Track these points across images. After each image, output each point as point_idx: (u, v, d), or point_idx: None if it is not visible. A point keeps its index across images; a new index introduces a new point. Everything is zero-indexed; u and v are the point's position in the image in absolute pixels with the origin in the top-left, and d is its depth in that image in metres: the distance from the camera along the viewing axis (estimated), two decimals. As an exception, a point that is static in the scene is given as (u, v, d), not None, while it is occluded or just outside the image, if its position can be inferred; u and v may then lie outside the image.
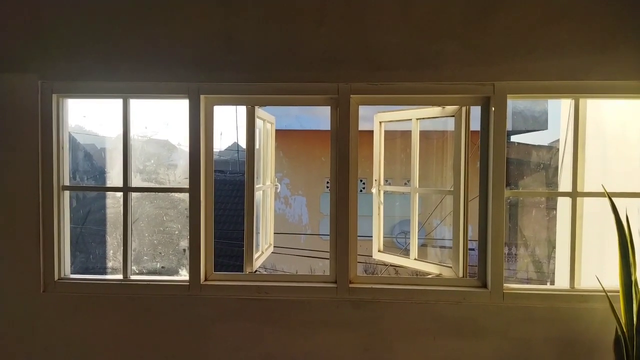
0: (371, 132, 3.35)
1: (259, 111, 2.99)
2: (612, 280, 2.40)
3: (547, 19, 2.49)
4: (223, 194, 11.13)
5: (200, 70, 2.60)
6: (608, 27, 2.47)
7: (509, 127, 2.79)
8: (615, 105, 2.88)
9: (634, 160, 2.62)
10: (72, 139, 2.92)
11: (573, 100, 2.61)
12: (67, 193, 2.77)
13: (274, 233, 3.71)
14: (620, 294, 2.30)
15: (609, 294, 2.33)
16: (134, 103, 2.76)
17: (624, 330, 2.27)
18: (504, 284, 2.57)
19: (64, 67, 2.63)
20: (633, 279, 2.27)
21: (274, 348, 2.65)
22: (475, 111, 2.69)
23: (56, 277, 2.70)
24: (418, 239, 3.13)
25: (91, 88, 2.66)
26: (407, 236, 3.14)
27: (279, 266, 9.15)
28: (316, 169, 10.14)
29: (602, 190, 2.44)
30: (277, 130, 3.64)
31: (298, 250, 8.81)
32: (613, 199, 2.34)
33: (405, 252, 3.18)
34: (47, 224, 2.66)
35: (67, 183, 2.76)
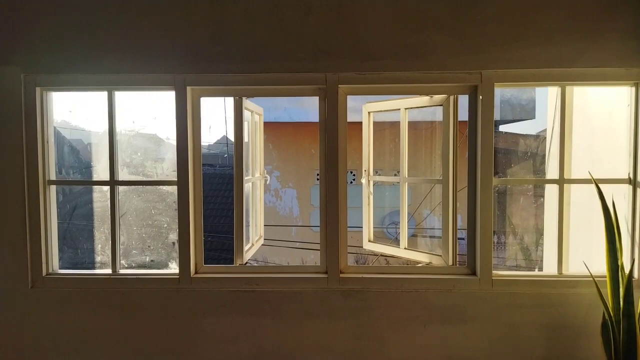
0: (361, 124, 3.35)
1: (247, 102, 2.97)
2: (600, 266, 2.43)
3: (534, 7, 2.49)
4: (213, 188, 11.10)
5: (186, 61, 2.57)
6: (595, 15, 2.48)
7: (497, 116, 2.81)
8: (601, 93, 2.90)
9: (620, 147, 2.64)
10: (58, 133, 2.88)
11: (560, 88, 2.63)
12: (53, 188, 2.74)
13: (265, 225, 3.71)
14: (607, 279, 2.33)
15: (596, 279, 2.36)
16: (123, 97, 2.73)
17: (611, 314, 2.30)
18: (493, 271, 2.59)
19: (48, 59, 2.58)
20: (619, 263, 2.30)
21: (265, 339, 2.66)
22: (464, 101, 2.69)
23: (44, 273, 2.67)
24: (408, 229, 3.15)
25: (75, 81, 2.62)
26: (398, 227, 3.15)
27: (270, 258, 9.16)
28: (306, 161, 10.13)
29: (589, 177, 2.46)
30: (266, 123, 3.63)
31: (289, 242, 8.82)
32: (600, 185, 2.36)
33: (396, 242, 3.19)
34: (34, 219, 2.63)
35: (53, 177, 2.73)
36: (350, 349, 2.64)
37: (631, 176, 2.57)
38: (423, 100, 2.88)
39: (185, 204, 2.63)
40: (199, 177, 2.70)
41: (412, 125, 3.12)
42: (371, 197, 3.37)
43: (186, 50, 2.57)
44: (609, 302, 2.33)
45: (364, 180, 3.37)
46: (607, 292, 2.34)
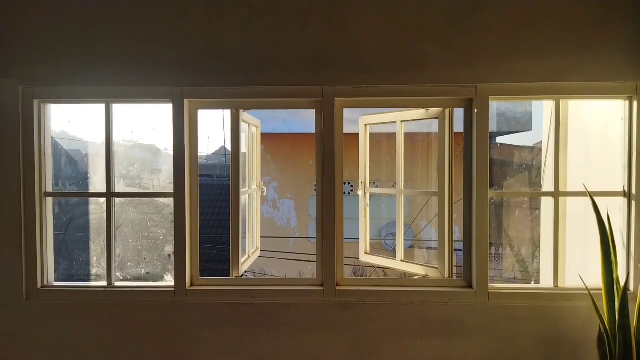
0: (358, 135, 3.36)
1: (244, 115, 2.99)
2: (596, 278, 2.43)
3: (528, 21, 2.52)
4: (211, 199, 11.08)
5: (183, 74, 2.58)
6: (589, 29, 2.51)
7: (493, 128, 2.83)
8: (596, 106, 2.92)
9: (615, 160, 2.66)
10: (55, 144, 2.88)
11: (554, 102, 2.65)
12: (49, 199, 2.74)
13: (262, 237, 3.70)
14: (603, 292, 2.33)
15: (592, 292, 2.36)
16: (121, 108, 2.74)
17: (607, 327, 2.30)
18: (489, 284, 2.59)
19: (46, 72, 2.60)
20: (615, 276, 2.30)
21: (261, 352, 2.64)
22: (459, 113, 2.71)
23: (39, 285, 2.66)
24: (406, 240, 3.14)
25: (73, 93, 2.63)
26: (395, 238, 3.15)
27: (267, 270, 9.11)
28: (304, 172, 10.12)
29: (584, 190, 2.47)
30: (264, 134, 3.64)
31: (287, 253, 8.79)
32: (595, 198, 2.37)
33: (393, 254, 3.19)
34: (30, 231, 2.63)
35: (49, 189, 2.73)
36: (347, 362, 2.63)
37: (626, 189, 2.58)
38: (419, 112, 2.89)
39: (181, 216, 2.63)
40: (195, 189, 2.70)
41: (409, 137, 3.13)
42: (367, 209, 3.38)
43: (183, 63, 2.58)
44: (604, 315, 2.33)
45: (360, 192, 3.37)
46: (603, 305, 2.33)
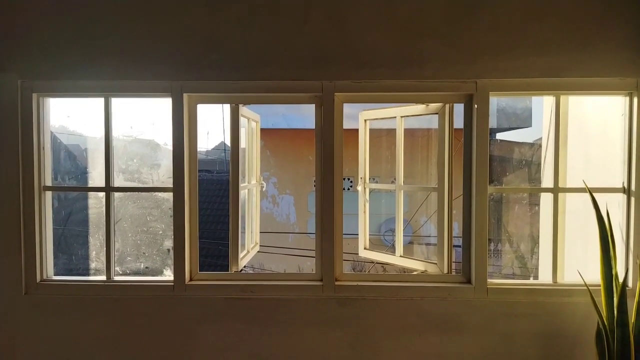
0: (357, 131, 3.36)
1: (244, 109, 2.98)
2: (595, 274, 2.43)
3: (528, 18, 2.52)
4: (210, 194, 11.08)
5: (183, 68, 2.58)
6: (589, 26, 2.50)
7: (493, 124, 2.82)
8: (596, 102, 2.92)
9: (615, 156, 2.66)
10: (55, 139, 2.87)
11: (554, 97, 2.65)
12: (49, 194, 2.73)
13: (261, 232, 3.70)
14: (602, 288, 2.34)
15: (590, 288, 2.36)
16: (120, 103, 2.73)
17: (605, 323, 2.30)
18: (488, 280, 2.59)
19: (45, 66, 2.59)
20: (614, 272, 2.31)
21: (260, 347, 2.65)
22: (459, 108, 2.71)
23: (38, 279, 2.66)
24: (405, 236, 3.15)
25: (72, 87, 2.63)
26: (394, 234, 3.15)
27: (267, 265, 9.13)
28: (303, 168, 10.13)
29: (584, 186, 2.47)
30: (264, 130, 3.63)
31: (286, 249, 8.80)
32: (594, 194, 2.37)
33: (392, 250, 3.19)
34: (29, 225, 2.62)
35: (48, 183, 2.73)
36: (345, 357, 2.63)
37: (625, 185, 2.58)
38: (419, 108, 2.89)
39: (180, 211, 2.62)
40: (194, 183, 2.70)
41: (409, 132, 3.12)
42: (367, 204, 3.38)
43: (183, 58, 2.57)
44: (603, 311, 2.33)
45: (359, 188, 3.37)
46: (602, 301, 2.34)
